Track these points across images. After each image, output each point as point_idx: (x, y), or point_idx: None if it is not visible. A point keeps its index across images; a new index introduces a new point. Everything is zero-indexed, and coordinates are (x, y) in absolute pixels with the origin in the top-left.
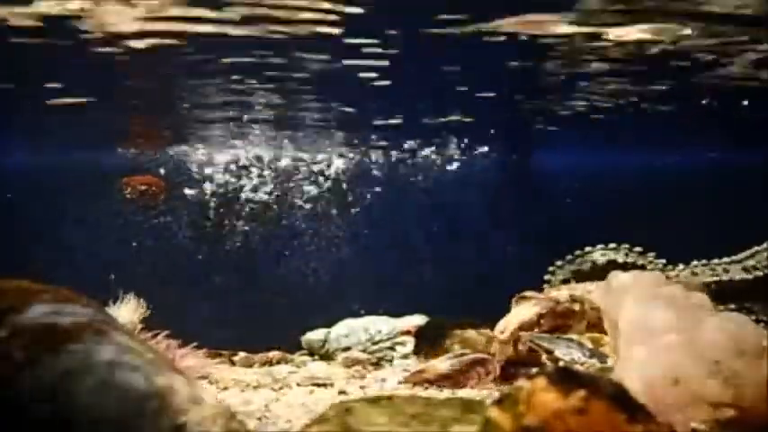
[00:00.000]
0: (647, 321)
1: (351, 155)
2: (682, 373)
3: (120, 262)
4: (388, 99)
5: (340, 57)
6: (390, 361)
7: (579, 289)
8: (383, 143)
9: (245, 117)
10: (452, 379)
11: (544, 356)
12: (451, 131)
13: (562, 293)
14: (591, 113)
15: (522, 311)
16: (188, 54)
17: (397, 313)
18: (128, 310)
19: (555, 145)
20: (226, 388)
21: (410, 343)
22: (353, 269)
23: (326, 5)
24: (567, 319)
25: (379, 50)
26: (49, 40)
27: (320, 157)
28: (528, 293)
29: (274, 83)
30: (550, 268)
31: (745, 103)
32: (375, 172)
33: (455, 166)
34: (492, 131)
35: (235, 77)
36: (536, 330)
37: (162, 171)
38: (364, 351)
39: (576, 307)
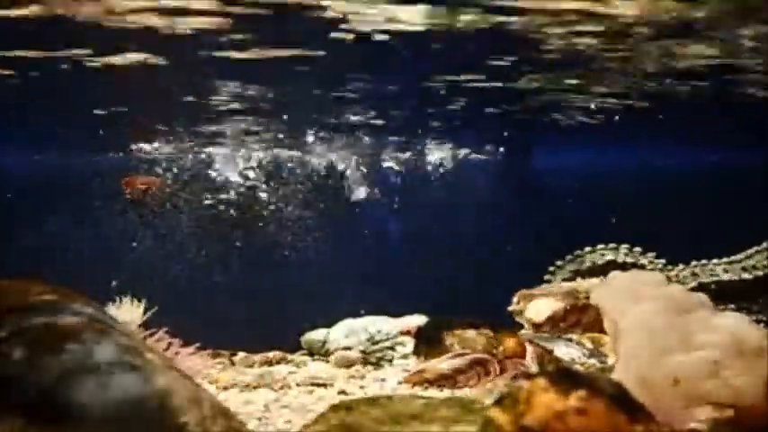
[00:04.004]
0: (647, 321)
1: (351, 156)
2: (682, 373)
3: (121, 262)
4: (387, 99)
5: (339, 56)
6: (390, 361)
7: (584, 285)
8: (383, 144)
9: (244, 117)
10: (452, 379)
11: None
12: (451, 131)
13: (578, 286)
14: (591, 113)
15: (550, 304)
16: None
17: (397, 313)
18: (128, 310)
19: (555, 145)
20: (226, 388)
21: (410, 343)
22: (353, 269)
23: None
24: (583, 315)
25: (377, 47)
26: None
27: (321, 157)
28: (532, 290)
29: (274, 83)
30: (550, 268)
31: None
32: (375, 173)
33: (455, 166)
34: (492, 131)
35: (235, 77)
36: (562, 325)
37: (162, 171)
38: (364, 351)
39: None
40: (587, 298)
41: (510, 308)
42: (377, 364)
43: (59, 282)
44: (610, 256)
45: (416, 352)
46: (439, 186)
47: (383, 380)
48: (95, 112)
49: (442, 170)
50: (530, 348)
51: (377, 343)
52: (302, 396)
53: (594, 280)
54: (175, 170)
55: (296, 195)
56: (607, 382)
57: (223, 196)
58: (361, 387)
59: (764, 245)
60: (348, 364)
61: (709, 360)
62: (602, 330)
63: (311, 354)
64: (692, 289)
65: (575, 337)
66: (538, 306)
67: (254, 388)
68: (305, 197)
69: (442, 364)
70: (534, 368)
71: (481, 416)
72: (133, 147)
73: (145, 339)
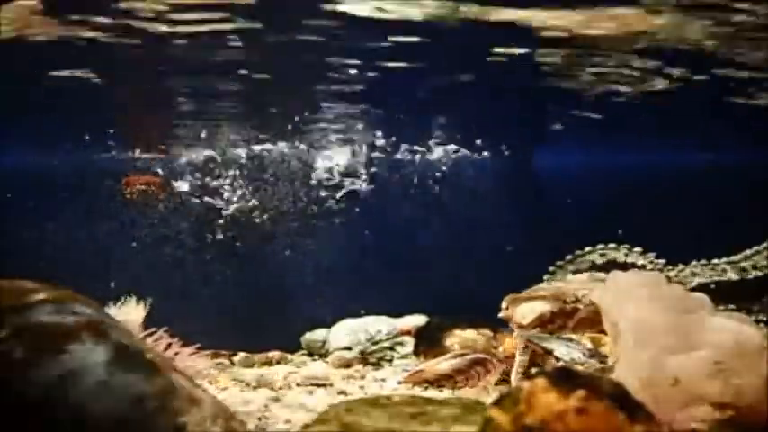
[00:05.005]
0: (648, 321)
1: (350, 154)
2: (682, 373)
3: (121, 262)
4: (386, 97)
5: (336, 53)
6: (390, 361)
7: (576, 282)
8: (383, 142)
9: (242, 116)
10: (452, 379)
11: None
12: (451, 130)
13: (566, 288)
14: (591, 113)
15: (536, 307)
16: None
17: (397, 313)
18: (128, 310)
19: (555, 145)
20: (226, 388)
21: (410, 343)
22: (354, 269)
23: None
24: (569, 319)
25: (375, 44)
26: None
27: (320, 157)
28: (520, 294)
29: (269, 81)
30: (550, 268)
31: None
32: (374, 171)
33: (455, 165)
34: (492, 131)
35: (233, 73)
36: (549, 327)
37: (161, 171)
38: (364, 351)
39: (580, 306)
40: (576, 301)
41: (500, 314)
42: (377, 364)
43: (59, 282)
44: (610, 256)
45: (416, 352)
46: (439, 186)
47: (383, 380)
48: (96, 111)
49: (441, 170)
50: (518, 359)
51: (377, 343)
52: (302, 396)
53: (583, 276)
54: (175, 170)
55: (295, 195)
56: (607, 382)
57: (223, 196)
58: (361, 387)
59: (764, 245)
60: (345, 364)
61: (709, 360)
62: (601, 330)
63: (311, 354)
64: (692, 289)
65: (575, 337)
66: (524, 310)
67: (254, 388)
68: (304, 197)
69: (442, 364)
70: (515, 378)
71: (481, 416)
72: (133, 146)
73: (145, 339)
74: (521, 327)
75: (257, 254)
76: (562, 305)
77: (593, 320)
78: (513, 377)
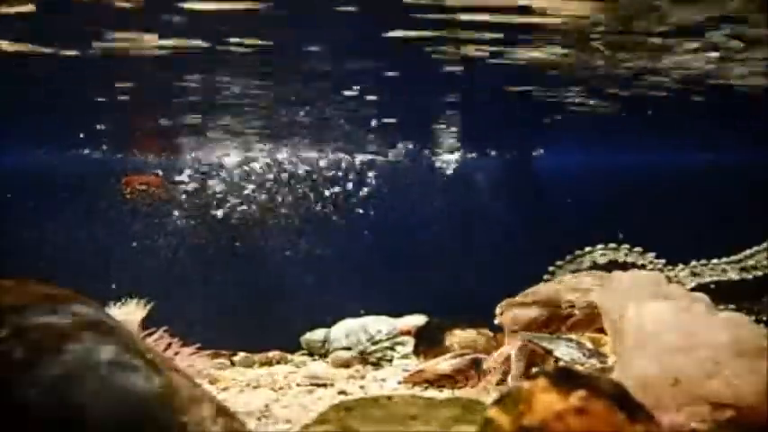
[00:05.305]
0: (648, 321)
1: (349, 155)
2: (682, 373)
3: (121, 262)
4: (386, 97)
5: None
6: (390, 361)
7: (572, 282)
8: (382, 143)
9: (242, 117)
10: (452, 379)
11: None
12: (450, 130)
13: (561, 291)
14: (591, 113)
15: (531, 312)
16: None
17: (397, 313)
18: (128, 311)
19: (555, 144)
20: (226, 388)
21: (410, 343)
22: (353, 269)
23: None
24: (562, 323)
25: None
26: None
27: (320, 157)
28: (514, 299)
29: (268, 80)
30: (550, 268)
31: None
32: (374, 172)
33: (455, 165)
34: (492, 131)
35: (236, 75)
36: (543, 331)
37: (161, 171)
38: (364, 351)
39: (576, 311)
40: (570, 306)
41: (496, 320)
42: (377, 364)
43: (59, 282)
44: (610, 256)
45: (416, 352)
46: (439, 186)
47: (383, 380)
48: (96, 111)
49: (441, 170)
50: (514, 365)
51: (377, 343)
52: (302, 396)
53: (581, 276)
54: (174, 170)
55: (296, 195)
56: (607, 382)
57: (223, 197)
58: (361, 387)
59: (765, 245)
60: (345, 364)
61: (709, 360)
62: (600, 330)
63: (311, 354)
64: (692, 289)
65: (575, 336)
66: (518, 315)
67: (254, 388)
68: (304, 197)
69: (442, 364)
70: (514, 378)
71: (481, 416)
72: (132, 147)
73: (145, 339)
74: (515, 333)
75: (257, 254)
76: (556, 310)
77: (589, 322)
78: (511, 383)
